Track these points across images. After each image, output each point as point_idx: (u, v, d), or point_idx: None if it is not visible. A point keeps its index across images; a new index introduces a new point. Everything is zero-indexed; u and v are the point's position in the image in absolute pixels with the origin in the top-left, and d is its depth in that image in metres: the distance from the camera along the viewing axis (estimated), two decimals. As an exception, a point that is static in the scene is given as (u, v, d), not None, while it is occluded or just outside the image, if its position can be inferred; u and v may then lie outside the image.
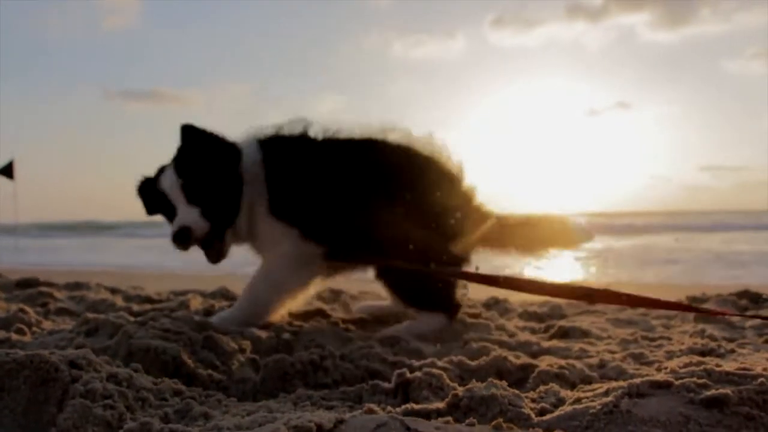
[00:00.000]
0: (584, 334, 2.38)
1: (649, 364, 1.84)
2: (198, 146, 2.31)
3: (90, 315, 2.20)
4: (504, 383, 1.38)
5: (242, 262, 2.59)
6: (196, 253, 2.38)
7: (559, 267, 8.11)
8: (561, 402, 1.38)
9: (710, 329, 2.38)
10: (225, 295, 3.34)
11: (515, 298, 3.27)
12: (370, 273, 2.48)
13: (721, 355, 1.87)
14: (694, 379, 1.33)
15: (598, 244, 11.92)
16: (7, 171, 11.78)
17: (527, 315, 3.01)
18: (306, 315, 2.75)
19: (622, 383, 1.34)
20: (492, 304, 3.27)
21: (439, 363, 1.79)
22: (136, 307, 2.83)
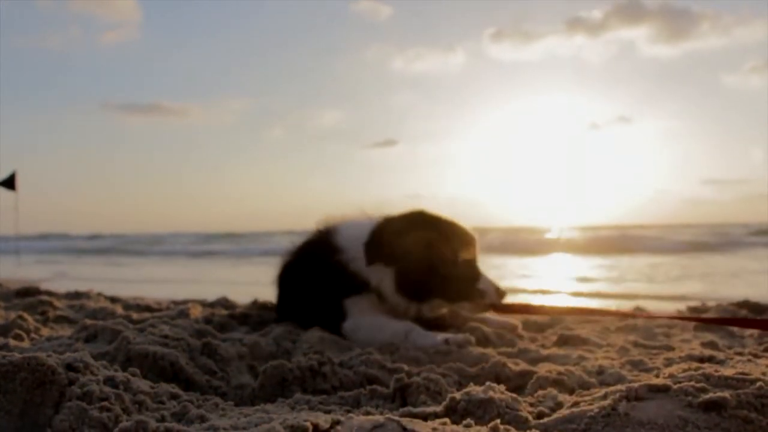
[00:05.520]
0: (583, 341, 2.38)
1: (648, 370, 1.83)
2: None
3: (89, 321, 2.20)
4: (502, 387, 1.38)
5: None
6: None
7: (564, 282, 8.09)
8: (559, 406, 1.37)
9: (710, 337, 2.37)
10: (225, 304, 3.34)
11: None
12: None
13: (720, 362, 1.86)
14: (693, 383, 1.32)
15: (603, 259, 11.89)
16: (9, 183, 11.82)
17: (527, 324, 3.00)
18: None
19: (620, 387, 1.34)
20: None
21: (438, 369, 1.79)
22: (135, 315, 2.82)
